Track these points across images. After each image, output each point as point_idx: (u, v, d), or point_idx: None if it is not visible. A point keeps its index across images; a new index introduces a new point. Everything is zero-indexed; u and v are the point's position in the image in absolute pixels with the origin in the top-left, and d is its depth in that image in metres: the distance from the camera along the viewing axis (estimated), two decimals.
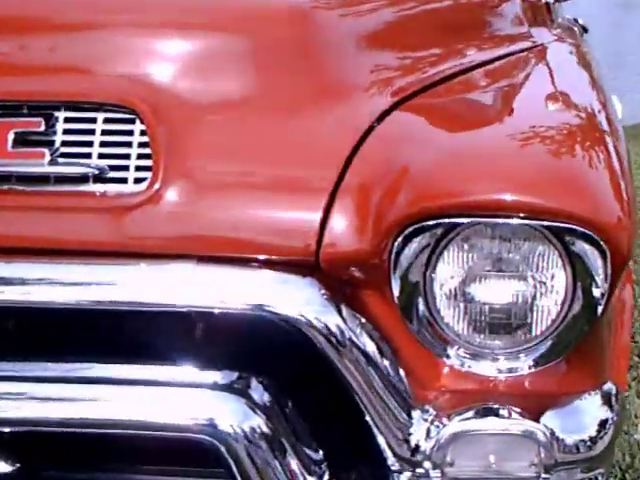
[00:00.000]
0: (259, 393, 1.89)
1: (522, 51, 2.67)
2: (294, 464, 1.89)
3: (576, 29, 3.66)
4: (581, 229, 1.77)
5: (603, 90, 2.48)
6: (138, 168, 1.86)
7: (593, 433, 1.93)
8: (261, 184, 1.86)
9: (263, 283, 1.82)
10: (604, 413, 1.97)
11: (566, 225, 1.78)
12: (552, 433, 1.87)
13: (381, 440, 1.88)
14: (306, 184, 1.85)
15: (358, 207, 1.83)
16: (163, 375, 1.87)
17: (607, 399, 1.99)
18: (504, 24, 2.79)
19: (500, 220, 1.80)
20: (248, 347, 1.91)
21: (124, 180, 1.87)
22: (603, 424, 1.95)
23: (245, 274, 1.82)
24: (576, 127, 2.06)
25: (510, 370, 1.93)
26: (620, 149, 2.04)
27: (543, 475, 1.88)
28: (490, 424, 1.88)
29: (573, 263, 1.82)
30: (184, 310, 1.80)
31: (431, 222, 1.79)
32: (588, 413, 1.96)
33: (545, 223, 1.79)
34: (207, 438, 1.83)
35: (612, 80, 3.28)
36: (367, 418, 1.87)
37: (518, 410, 1.90)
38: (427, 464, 1.87)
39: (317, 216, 1.81)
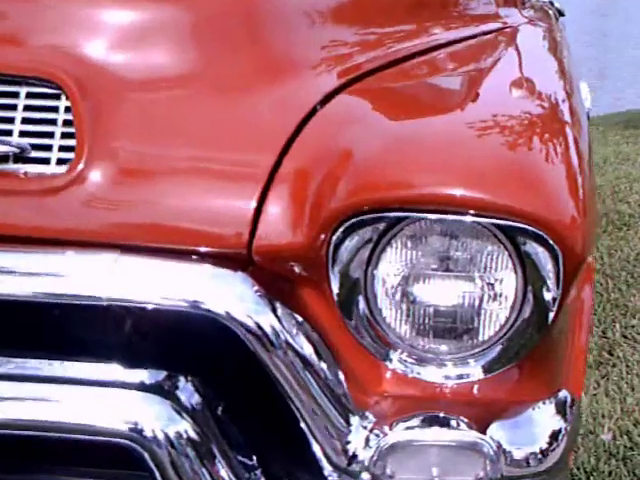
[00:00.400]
0: (187, 395, 1.76)
1: (488, 33, 2.54)
2: (223, 472, 1.76)
3: (551, 12, 3.52)
4: (531, 229, 1.64)
5: (571, 78, 2.35)
6: (62, 148, 1.72)
7: (544, 445, 1.81)
8: (192, 169, 1.72)
9: (190, 277, 1.68)
10: (557, 424, 1.84)
11: (516, 224, 1.64)
12: (499, 445, 1.74)
13: (316, 448, 1.75)
14: (240, 170, 1.71)
15: (295, 196, 1.69)
16: (84, 373, 1.74)
17: (560, 408, 1.87)
18: (471, 3, 2.65)
19: (446, 216, 1.66)
20: (176, 345, 1.78)
21: (47, 161, 1.72)
22: (555, 435, 1.82)
23: (171, 266, 1.68)
24: (536, 118, 1.93)
25: (458, 377, 1.80)
26: (581, 142, 1.91)
27: None
28: (434, 434, 1.75)
29: (524, 265, 1.69)
30: (104, 304, 1.65)
31: (372, 215, 1.65)
32: (539, 424, 1.83)
33: (494, 221, 1.65)
34: (129, 443, 1.69)
35: None
36: (302, 424, 1.74)
37: (465, 420, 1.77)
38: (365, 475, 1.74)
39: (250, 205, 1.68)
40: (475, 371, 1.80)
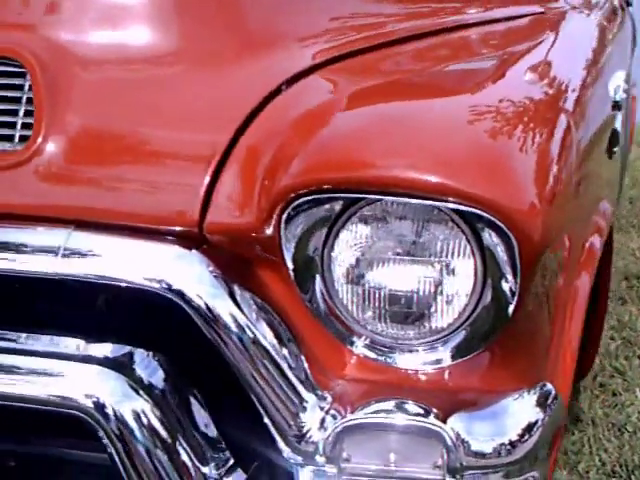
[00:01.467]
0: (147, 371, 1.76)
1: (522, 16, 2.47)
2: (182, 451, 1.75)
3: (616, 2, 3.40)
4: (486, 215, 1.59)
5: (599, 69, 2.27)
6: (25, 126, 1.74)
7: (513, 437, 1.74)
8: (147, 146, 1.72)
9: (143, 254, 1.68)
10: (529, 416, 1.77)
11: (471, 210, 1.59)
12: (459, 434, 1.68)
13: (274, 430, 1.73)
14: (196, 147, 1.71)
15: (249, 174, 1.68)
16: (42, 346, 1.75)
17: (536, 401, 1.80)
18: None
19: (400, 199, 1.62)
20: (138, 322, 1.78)
21: (10, 138, 1.74)
22: (528, 428, 1.75)
23: (124, 243, 1.69)
24: (526, 106, 1.86)
25: (421, 363, 1.76)
26: (573, 133, 1.83)
27: (448, 478, 1.70)
28: (392, 420, 1.70)
29: (483, 251, 1.64)
30: (57, 278, 1.66)
31: (323, 195, 1.62)
32: (509, 415, 1.76)
33: (449, 206, 1.60)
34: (82, 415, 1.70)
35: None
36: (259, 405, 1.72)
37: (427, 407, 1.72)
38: (320, 458, 1.71)
39: (203, 182, 1.67)
40: (439, 358, 1.75)
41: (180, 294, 1.65)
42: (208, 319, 1.66)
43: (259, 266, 1.73)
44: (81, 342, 1.76)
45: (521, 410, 1.77)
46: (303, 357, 1.75)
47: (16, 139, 1.74)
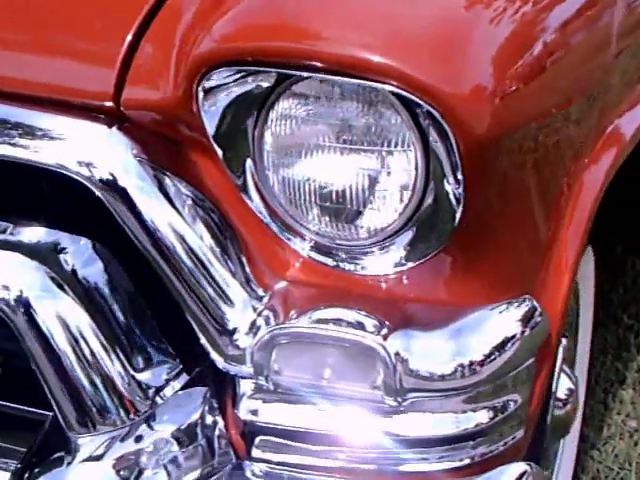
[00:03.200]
0: (77, 263, 1.60)
1: None
2: (112, 357, 1.59)
3: None
4: (421, 101, 1.35)
5: None
6: None
7: (470, 356, 1.52)
8: (65, 13, 1.55)
9: (55, 130, 1.52)
10: (493, 332, 1.55)
11: (406, 94, 1.36)
12: (398, 352, 1.47)
13: (202, 335, 1.56)
14: (112, 18, 1.54)
15: (169, 42, 1.49)
16: None
17: (508, 315, 1.58)
18: None
19: (328, 77, 1.41)
20: (70, 208, 1.62)
21: None
22: (491, 347, 1.53)
23: (37, 117, 1.53)
24: None
25: (368, 267, 1.54)
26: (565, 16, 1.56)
27: (388, 400, 1.50)
28: (326, 331, 1.50)
29: (426, 145, 1.40)
30: None
31: (240, 67, 1.42)
32: (464, 330, 1.54)
33: (387, 88, 1.37)
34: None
35: None
36: (190, 304, 1.55)
37: (369, 318, 1.52)
38: (248, 368, 1.53)
39: (120, 51, 1.51)
40: (388, 263, 1.55)
41: (95, 179, 1.48)
42: (126, 207, 1.50)
43: (192, 150, 1.55)
44: (9, 225, 1.62)
45: (482, 325, 1.56)
46: (238, 252, 1.58)
47: None
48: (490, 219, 1.51)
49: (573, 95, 1.60)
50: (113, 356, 1.58)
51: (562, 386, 2.03)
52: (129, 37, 1.50)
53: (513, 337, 1.56)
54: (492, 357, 1.53)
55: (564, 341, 1.98)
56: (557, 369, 1.97)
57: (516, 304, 1.59)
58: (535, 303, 1.60)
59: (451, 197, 1.43)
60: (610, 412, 2.48)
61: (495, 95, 1.39)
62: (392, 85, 1.37)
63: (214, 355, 1.56)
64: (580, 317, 2.22)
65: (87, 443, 1.57)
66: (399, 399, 1.50)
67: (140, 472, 1.57)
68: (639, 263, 2.92)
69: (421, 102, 1.36)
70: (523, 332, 1.57)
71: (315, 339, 1.51)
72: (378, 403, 1.51)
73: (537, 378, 1.66)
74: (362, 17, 1.42)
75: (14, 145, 1.52)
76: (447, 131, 1.36)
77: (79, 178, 1.50)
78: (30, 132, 1.53)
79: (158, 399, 1.61)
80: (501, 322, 1.57)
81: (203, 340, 1.55)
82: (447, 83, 1.35)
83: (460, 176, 1.39)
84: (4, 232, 1.62)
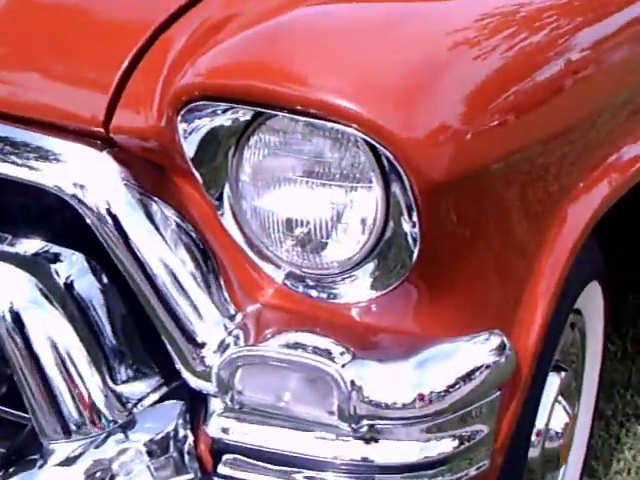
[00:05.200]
0: (68, 276, 1.68)
1: None
2: (94, 370, 1.66)
3: None
4: (377, 142, 1.41)
5: None
6: None
7: (437, 387, 1.56)
8: (64, 42, 1.65)
9: (47, 151, 1.60)
10: (460, 364, 1.59)
11: (363, 135, 1.42)
12: (353, 381, 1.52)
13: (173, 345, 1.62)
14: (113, 44, 1.62)
15: (158, 74, 1.56)
16: None
17: (475, 349, 1.62)
18: None
19: (296, 116, 1.47)
20: (64, 223, 1.70)
21: None
22: (462, 377, 1.57)
23: (29, 137, 1.61)
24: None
25: (331, 295, 1.60)
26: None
27: (342, 425, 1.54)
28: (287, 355, 1.56)
29: (387, 181, 1.45)
30: None
31: (211, 102, 1.49)
32: (432, 361, 1.59)
33: (349, 131, 1.42)
34: None
35: None
36: (162, 317, 1.62)
37: (333, 344, 1.56)
38: (212, 385, 1.59)
39: (114, 79, 1.58)
40: (354, 292, 1.59)
41: (85, 203, 1.56)
42: (111, 228, 1.58)
43: (176, 176, 1.63)
44: (8, 237, 1.70)
45: (445, 356, 1.59)
46: (215, 273, 1.65)
47: None
48: (453, 256, 1.55)
49: (541, 137, 1.62)
50: (94, 369, 1.65)
51: (556, 419, 2.06)
52: (124, 65, 1.57)
53: (476, 369, 1.59)
54: (454, 388, 1.56)
55: (556, 375, 2.01)
56: (550, 402, 2.00)
57: (482, 337, 1.62)
58: (503, 337, 1.63)
59: (408, 237, 1.47)
60: (622, 446, 2.47)
61: (452, 140, 1.43)
62: (353, 128, 1.41)
63: (184, 373, 1.62)
64: (587, 350, 2.22)
65: (61, 447, 1.64)
66: (353, 425, 1.54)
67: (111, 479, 1.63)
68: None
69: (378, 145, 1.39)
70: (487, 365, 1.60)
71: (277, 362, 1.56)
72: (334, 428, 1.55)
73: (506, 411, 1.68)
74: (335, 62, 1.47)
75: (13, 164, 1.60)
76: (401, 174, 1.40)
77: (70, 201, 1.57)
78: (28, 152, 1.61)
79: (135, 411, 1.68)
80: (465, 354, 1.60)
81: (173, 355, 1.61)
82: (403, 127, 1.39)
83: (415, 218, 1.43)
84: (1, 242, 1.70)
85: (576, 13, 1.79)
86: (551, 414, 2.00)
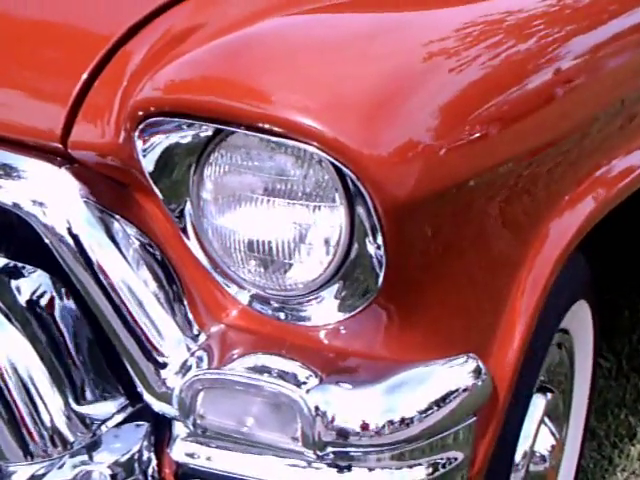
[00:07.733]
0: (29, 292, 1.63)
1: None
2: (55, 391, 1.61)
3: None
4: (338, 160, 1.35)
5: None
6: None
7: (407, 413, 1.50)
8: (24, 55, 1.60)
9: (5, 167, 1.56)
10: (432, 389, 1.53)
11: (323, 154, 1.36)
12: (317, 406, 1.46)
13: (133, 366, 1.57)
14: (72, 58, 1.58)
15: (117, 87, 1.52)
16: None
17: (447, 374, 1.56)
18: None
19: (255, 134, 1.41)
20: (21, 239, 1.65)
21: None
22: (434, 403, 1.51)
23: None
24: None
25: (298, 318, 1.54)
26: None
27: (307, 452, 1.49)
28: (249, 379, 1.50)
29: (351, 200, 1.39)
30: None
31: (164, 118, 1.43)
32: (403, 386, 1.53)
33: (310, 150, 1.37)
34: None
35: None
36: (122, 338, 1.56)
37: (299, 368, 1.51)
38: (173, 408, 1.53)
39: (72, 93, 1.53)
40: (319, 313, 1.54)
41: (44, 222, 1.51)
42: (70, 247, 1.52)
43: (137, 193, 1.58)
44: None
45: (416, 381, 1.53)
46: (178, 293, 1.59)
47: None
48: (425, 276, 1.49)
49: (524, 151, 1.56)
50: (56, 390, 1.60)
51: (542, 442, 1.99)
52: (83, 77, 1.53)
53: (450, 394, 1.53)
54: (425, 414, 1.51)
55: (541, 397, 1.95)
56: (535, 425, 1.94)
57: (456, 361, 1.56)
58: (478, 361, 1.57)
59: (374, 259, 1.41)
60: (614, 468, 2.41)
61: (422, 156, 1.37)
62: (314, 146, 1.35)
63: (146, 395, 1.57)
64: (576, 370, 2.16)
65: (22, 469, 1.59)
66: (318, 452, 1.48)
67: None
68: None
69: (339, 164, 1.34)
70: (461, 390, 1.54)
71: (240, 386, 1.50)
72: (301, 455, 1.50)
73: (483, 436, 1.62)
74: (299, 76, 1.42)
75: None
76: (364, 193, 1.34)
77: (27, 219, 1.52)
78: None
79: (99, 432, 1.63)
80: (438, 379, 1.54)
81: (134, 377, 1.55)
82: (366, 145, 1.34)
83: (380, 240, 1.38)
84: None
85: (562, 22, 1.73)
86: (536, 437, 1.93)
